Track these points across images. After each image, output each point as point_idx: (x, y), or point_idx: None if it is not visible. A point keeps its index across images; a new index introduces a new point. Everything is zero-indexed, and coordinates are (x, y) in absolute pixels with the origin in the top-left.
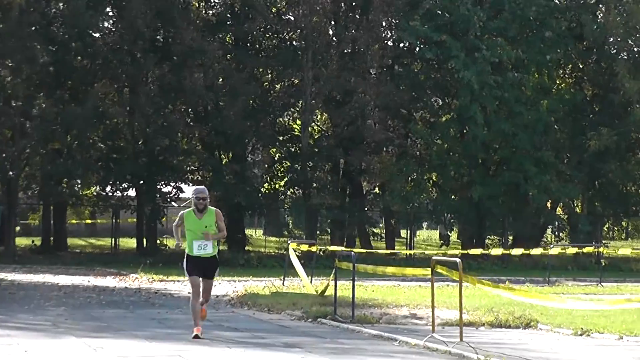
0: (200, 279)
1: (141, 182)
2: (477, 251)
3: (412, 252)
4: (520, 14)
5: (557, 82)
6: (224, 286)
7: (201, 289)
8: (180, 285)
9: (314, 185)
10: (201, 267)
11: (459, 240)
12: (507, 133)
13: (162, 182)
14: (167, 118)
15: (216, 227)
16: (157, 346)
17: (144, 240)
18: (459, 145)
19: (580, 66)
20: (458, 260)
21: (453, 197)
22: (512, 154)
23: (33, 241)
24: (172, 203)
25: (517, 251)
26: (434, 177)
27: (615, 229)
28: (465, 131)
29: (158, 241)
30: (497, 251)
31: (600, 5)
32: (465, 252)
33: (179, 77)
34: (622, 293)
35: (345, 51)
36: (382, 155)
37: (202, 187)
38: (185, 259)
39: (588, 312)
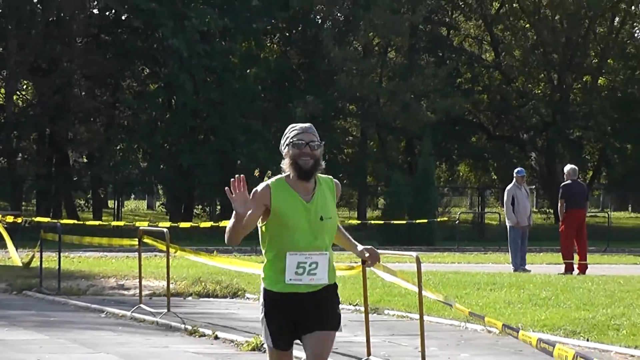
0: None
1: None
2: (187, 224)
3: (120, 223)
4: None
5: (265, 50)
6: None
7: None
8: None
9: (20, 155)
10: (303, 315)
11: (167, 211)
12: (215, 101)
13: None
14: None
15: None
16: None
17: None
18: (168, 114)
19: (287, 34)
20: (165, 230)
21: (162, 166)
22: (220, 122)
23: None
24: None
25: (225, 223)
26: (143, 147)
27: None
28: (173, 100)
29: None
30: (205, 224)
31: None
32: (175, 224)
33: None
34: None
35: (51, 19)
36: (90, 125)
37: (309, 124)
38: (262, 302)
39: None
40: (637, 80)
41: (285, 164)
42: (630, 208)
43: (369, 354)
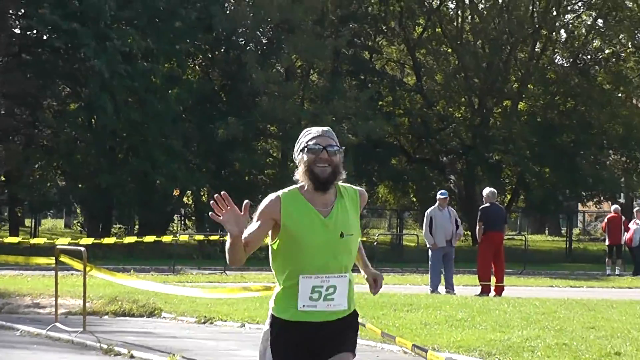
0: None
1: None
2: (111, 240)
3: (40, 240)
4: (151, 4)
5: (187, 72)
6: None
7: None
8: None
9: None
10: (318, 347)
11: (84, 229)
12: (136, 122)
13: None
14: None
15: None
16: None
17: None
18: (88, 134)
19: (210, 56)
20: (83, 249)
21: (81, 185)
22: (141, 142)
23: None
24: None
25: (149, 238)
26: (62, 166)
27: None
28: (94, 120)
29: None
30: (129, 239)
31: None
32: (98, 241)
33: None
34: (245, 281)
35: None
36: (8, 144)
37: (327, 127)
38: (268, 330)
39: (212, 301)
40: (556, 105)
41: (300, 172)
42: (546, 231)
43: None
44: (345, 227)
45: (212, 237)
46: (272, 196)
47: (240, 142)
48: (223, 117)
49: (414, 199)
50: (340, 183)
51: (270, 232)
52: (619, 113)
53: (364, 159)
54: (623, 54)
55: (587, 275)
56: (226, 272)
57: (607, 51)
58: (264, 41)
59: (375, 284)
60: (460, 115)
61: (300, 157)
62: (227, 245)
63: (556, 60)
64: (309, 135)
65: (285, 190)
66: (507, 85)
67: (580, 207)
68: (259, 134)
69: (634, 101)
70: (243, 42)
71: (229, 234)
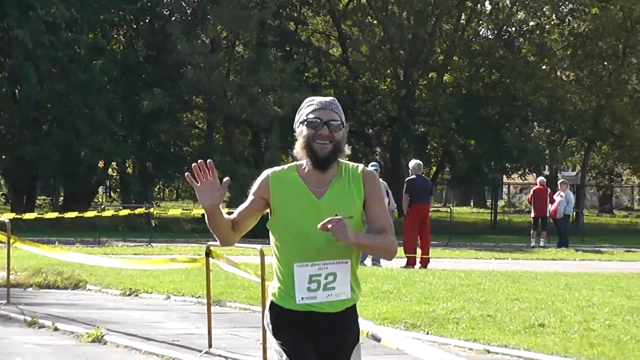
0: None
1: None
2: (32, 215)
3: None
4: None
5: (112, 42)
6: None
7: None
8: None
9: None
10: (322, 340)
11: (8, 201)
12: (61, 93)
13: None
14: None
15: (366, 218)
16: None
17: None
18: (12, 104)
19: (135, 27)
20: (7, 220)
21: (4, 157)
22: (66, 113)
23: None
24: None
25: (71, 214)
26: None
27: (167, 189)
28: (17, 90)
29: None
30: (51, 215)
31: None
32: (19, 216)
33: None
34: (171, 253)
35: None
36: None
37: (331, 98)
38: (268, 320)
39: (137, 272)
40: (481, 78)
41: (298, 147)
42: (472, 203)
43: (210, 346)
44: (342, 209)
45: (138, 210)
46: (264, 173)
47: (165, 113)
48: (148, 88)
49: None
50: (343, 160)
51: (268, 212)
52: (543, 85)
53: (290, 131)
54: (547, 26)
55: (512, 247)
56: (152, 244)
57: (531, 23)
58: (189, 12)
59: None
60: (385, 87)
61: (299, 130)
62: (207, 221)
63: (481, 32)
64: (310, 106)
65: (283, 167)
66: (432, 57)
67: (505, 179)
68: (184, 105)
69: (558, 73)
70: (168, 13)
71: (201, 205)
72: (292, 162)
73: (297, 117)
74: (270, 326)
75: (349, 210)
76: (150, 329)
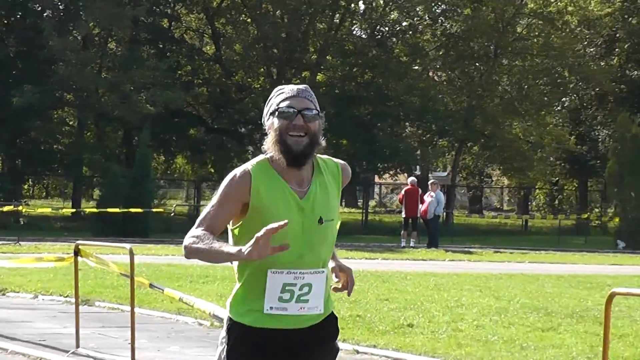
0: None
1: None
2: None
3: None
4: None
5: None
6: None
7: None
8: None
9: None
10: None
11: None
12: None
13: None
14: None
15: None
16: None
17: None
18: None
19: (6, 22)
20: None
21: None
22: None
23: None
24: None
25: None
26: None
27: (36, 187)
28: None
29: None
30: None
31: None
32: None
33: None
34: (40, 252)
35: None
36: None
37: (304, 85)
38: (225, 337)
39: (4, 271)
40: (354, 77)
41: (269, 142)
42: (343, 203)
43: (77, 345)
44: (325, 211)
45: (7, 207)
46: (238, 171)
47: (36, 110)
48: (19, 84)
49: (212, 170)
50: (318, 155)
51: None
52: (415, 85)
53: (163, 129)
54: (420, 26)
55: (383, 247)
56: (20, 242)
57: (404, 23)
58: (62, 8)
59: (348, 281)
60: (259, 85)
61: (270, 122)
62: (202, 247)
63: (354, 32)
64: (281, 94)
65: (253, 162)
66: (306, 56)
67: (376, 179)
68: (55, 102)
69: (431, 74)
70: (40, 9)
71: (229, 253)
72: (260, 155)
73: (265, 109)
74: (225, 344)
75: (331, 212)
76: (16, 329)
